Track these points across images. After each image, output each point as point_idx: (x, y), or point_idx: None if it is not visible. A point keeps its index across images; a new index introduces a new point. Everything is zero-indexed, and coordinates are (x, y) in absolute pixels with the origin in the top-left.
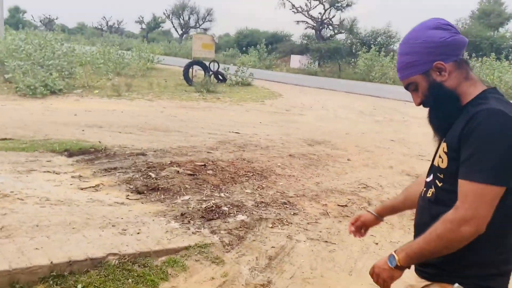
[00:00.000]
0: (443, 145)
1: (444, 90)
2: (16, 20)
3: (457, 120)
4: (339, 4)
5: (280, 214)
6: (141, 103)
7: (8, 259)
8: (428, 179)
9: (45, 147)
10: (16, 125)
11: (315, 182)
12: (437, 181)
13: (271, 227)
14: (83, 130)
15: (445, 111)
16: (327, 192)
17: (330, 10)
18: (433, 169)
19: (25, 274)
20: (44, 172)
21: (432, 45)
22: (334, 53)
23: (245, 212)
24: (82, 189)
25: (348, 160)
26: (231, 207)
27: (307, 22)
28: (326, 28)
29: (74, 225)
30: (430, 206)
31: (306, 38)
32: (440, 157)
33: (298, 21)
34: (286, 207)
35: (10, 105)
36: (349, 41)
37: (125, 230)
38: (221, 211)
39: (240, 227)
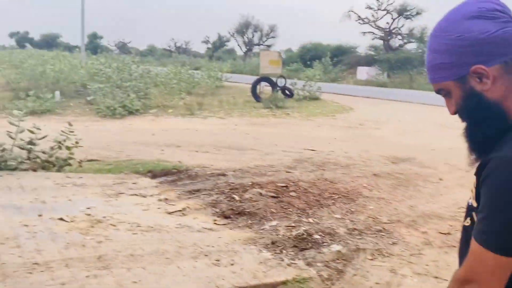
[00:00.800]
0: (474, 178)
1: (485, 103)
2: (94, 46)
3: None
4: (408, 13)
5: (377, 243)
6: (213, 121)
7: None
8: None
9: (129, 168)
10: (99, 146)
11: (409, 206)
12: (473, 213)
13: (371, 259)
14: (162, 150)
15: (484, 129)
16: (424, 217)
17: (399, 19)
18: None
19: None
20: (131, 195)
21: (470, 43)
22: (404, 63)
23: (339, 241)
24: (169, 213)
25: (440, 179)
26: (323, 234)
27: (373, 33)
28: (395, 38)
29: (167, 255)
30: (467, 236)
31: (373, 49)
32: (472, 190)
33: (364, 32)
34: (383, 235)
35: (92, 126)
36: (420, 50)
37: (218, 260)
38: (313, 240)
39: (337, 259)
